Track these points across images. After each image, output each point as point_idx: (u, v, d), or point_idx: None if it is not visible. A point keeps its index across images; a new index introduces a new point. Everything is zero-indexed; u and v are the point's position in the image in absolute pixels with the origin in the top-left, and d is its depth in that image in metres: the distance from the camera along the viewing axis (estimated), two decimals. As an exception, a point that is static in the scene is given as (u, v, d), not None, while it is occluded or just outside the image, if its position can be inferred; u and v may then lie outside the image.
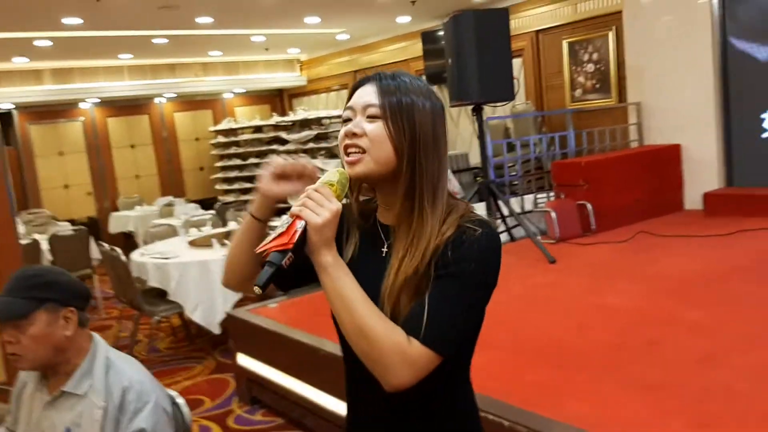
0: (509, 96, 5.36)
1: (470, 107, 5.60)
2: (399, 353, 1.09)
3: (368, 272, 1.20)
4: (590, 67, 7.94)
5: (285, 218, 1.11)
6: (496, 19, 5.31)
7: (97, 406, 1.77)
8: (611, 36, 7.63)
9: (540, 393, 2.84)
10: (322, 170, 1.19)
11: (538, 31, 8.46)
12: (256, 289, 1.07)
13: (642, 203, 6.38)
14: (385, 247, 1.25)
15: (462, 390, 1.34)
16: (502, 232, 5.76)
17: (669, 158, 6.73)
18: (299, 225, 1.09)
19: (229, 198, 11.01)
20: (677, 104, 6.71)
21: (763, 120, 6.35)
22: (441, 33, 9.42)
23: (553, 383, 2.93)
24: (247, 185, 11.06)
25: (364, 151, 1.17)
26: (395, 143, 1.16)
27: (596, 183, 6.06)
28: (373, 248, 1.26)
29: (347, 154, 1.19)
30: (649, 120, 7.03)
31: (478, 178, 8.01)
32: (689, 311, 3.67)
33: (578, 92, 8.12)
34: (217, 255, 5.18)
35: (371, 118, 1.18)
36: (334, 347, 3.34)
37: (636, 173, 6.43)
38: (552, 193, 6.46)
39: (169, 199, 10.77)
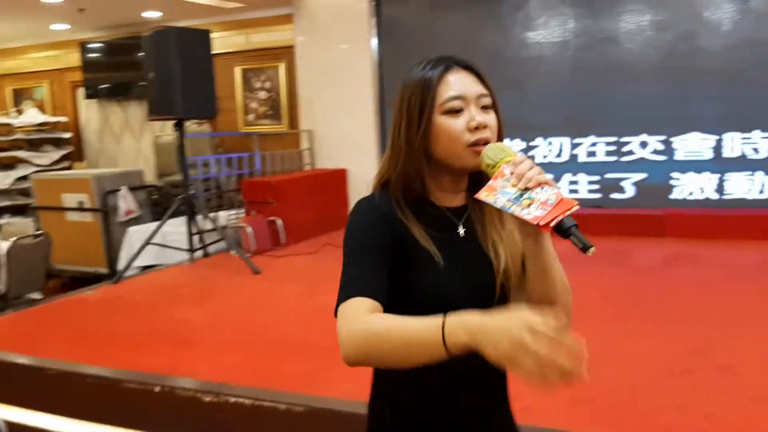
0: (212, 113, 5.55)
1: (172, 122, 5.61)
2: None
3: (464, 254, 1.21)
4: (263, 95, 8.48)
5: (546, 189, 1.06)
6: (199, 37, 5.47)
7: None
8: (282, 67, 8.27)
9: (305, 379, 3.14)
10: None
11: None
12: (593, 250, 1.03)
13: (321, 219, 7.08)
14: (461, 229, 1.24)
15: None
16: (198, 249, 5.87)
17: (337, 181, 7.58)
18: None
19: None
20: (344, 133, 7.63)
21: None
22: (100, 45, 9.08)
23: (314, 370, 3.26)
24: None
25: (487, 142, 1.16)
26: (501, 133, 1.21)
27: (283, 201, 6.56)
28: (445, 233, 1.22)
29: (473, 146, 1.16)
30: (320, 146, 7.83)
31: (154, 196, 7.90)
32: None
33: (251, 117, 8.59)
34: None
35: (486, 108, 1.19)
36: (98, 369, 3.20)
37: (315, 193, 7.12)
38: (234, 211, 6.73)
39: None
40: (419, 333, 0.97)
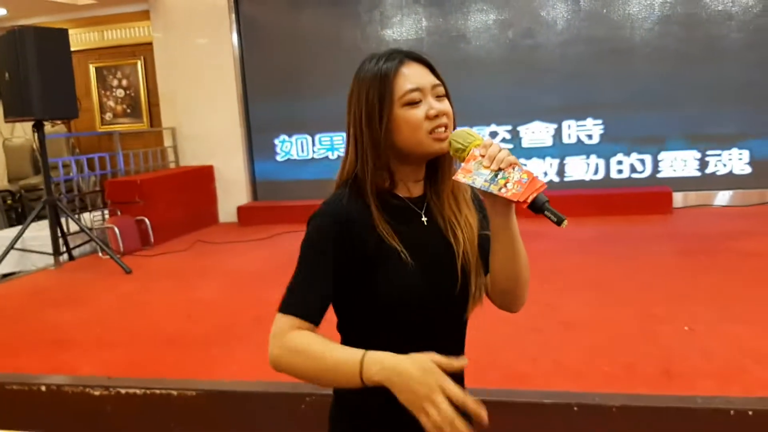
0: (73, 113, 5.43)
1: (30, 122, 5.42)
2: None
3: (428, 243, 1.25)
4: (120, 93, 8.27)
5: (517, 169, 1.15)
6: (57, 37, 5.34)
7: None
8: (140, 64, 8.12)
9: (191, 367, 3.26)
10: None
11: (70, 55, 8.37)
12: (566, 222, 1.11)
13: (189, 217, 7.07)
14: (423, 218, 1.28)
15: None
16: (64, 252, 5.72)
17: (204, 177, 7.58)
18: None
19: None
20: (208, 130, 7.64)
21: (276, 146, 7.73)
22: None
23: (198, 358, 3.38)
24: None
25: (445, 129, 1.22)
26: (454, 119, 1.27)
27: (150, 200, 6.50)
28: (410, 224, 1.25)
29: (433, 132, 1.21)
30: (184, 143, 7.78)
31: (8, 201, 7.53)
32: (272, 292, 4.48)
33: (108, 116, 8.36)
34: None
35: (440, 97, 1.24)
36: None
37: (182, 190, 7.09)
38: (99, 213, 6.56)
39: None
40: (338, 362, 1.10)
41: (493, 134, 7.15)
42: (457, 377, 1.12)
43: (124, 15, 8.03)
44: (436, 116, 1.21)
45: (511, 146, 7.10)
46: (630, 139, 6.87)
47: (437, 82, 1.25)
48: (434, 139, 1.21)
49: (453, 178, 1.20)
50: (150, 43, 7.85)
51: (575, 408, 2.50)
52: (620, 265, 4.71)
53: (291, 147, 7.67)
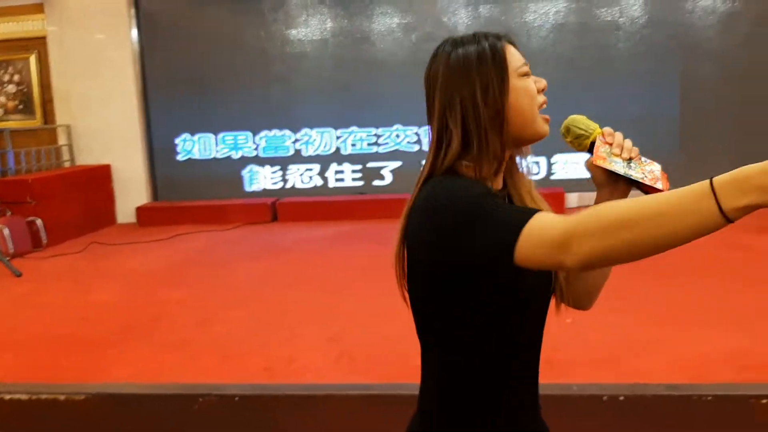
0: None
1: None
2: None
3: None
4: (12, 88, 7.88)
5: (652, 165, 1.11)
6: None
7: None
8: (34, 59, 7.76)
9: (84, 371, 3.18)
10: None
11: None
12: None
13: (85, 218, 6.83)
14: None
15: None
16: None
17: (101, 177, 7.34)
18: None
19: None
20: (106, 128, 7.39)
21: (177, 145, 7.57)
22: None
23: (91, 361, 3.30)
24: None
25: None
26: None
27: (43, 200, 6.24)
28: None
29: (540, 108, 1.14)
30: (80, 141, 7.50)
31: None
32: (171, 292, 4.45)
33: (-1, 112, 7.95)
34: None
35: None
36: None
37: (77, 190, 6.83)
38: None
39: None
40: (686, 204, 0.80)
41: (398, 135, 7.29)
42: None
43: (16, 7, 7.66)
44: (542, 90, 1.15)
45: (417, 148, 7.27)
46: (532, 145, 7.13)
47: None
48: (543, 119, 1.13)
49: (594, 162, 1.10)
50: (44, 37, 7.52)
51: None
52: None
53: (193, 146, 7.54)
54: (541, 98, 1.13)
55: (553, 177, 7.13)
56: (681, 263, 4.22)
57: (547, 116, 1.14)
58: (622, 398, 2.56)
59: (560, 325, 3.29)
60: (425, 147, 7.27)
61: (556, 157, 7.11)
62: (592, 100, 6.91)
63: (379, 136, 7.35)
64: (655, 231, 0.82)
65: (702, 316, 3.51)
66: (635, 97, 6.81)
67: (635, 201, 0.85)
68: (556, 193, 6.83)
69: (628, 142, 1.10)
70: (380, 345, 3.25)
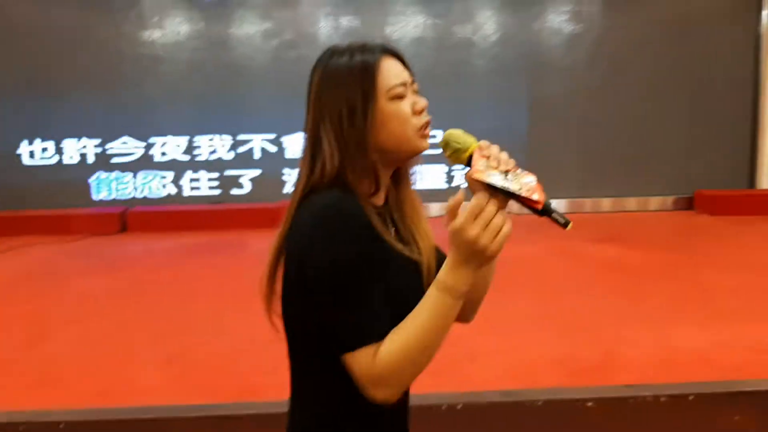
0: None
1: None
2: None
3: (399, 252, 1.14)
4: None
5: (528, 177, 1.10)
6: None
7: None
8: None
9: None
10: None
11: None
12: (570, 225, 1.06)
13: None
14: (391, 227, 1.17)
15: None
16: None
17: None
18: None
19: None
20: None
21: (19, 150, 7.03)
22: None
23: None
24: None
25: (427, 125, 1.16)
26: None
27: None
28: (387, 231, 1.14)
29: (421, 129, 1.13)
30: None
31: None
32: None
33: None
34: None
35: (416, 93, 1.15)
36: None
37: None
38: None
39: None
40: (434, 313, 1.01)
41: (258, 143, 7.16)
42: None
43: None
44: (421, 111, 1.13)
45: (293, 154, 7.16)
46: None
47: (412, 78, 1.15)
48: (421, 136, 1.12)
49: (471, 176, 1.08)
50: None
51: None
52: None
53: (35, 153, 7.03)
54: (422, 119, 1.12)
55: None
56: (515, 273, 4.40)
57: (427, 132, 1.13)
58: (460, 407, 2.62)
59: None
60: (286, 155, 7.21)
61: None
62: (447, 115, 7.10)
63: (237, 143, 7.19)
64: (434, 346, 1.02)
65: (532, 323, 3.69)
66: (488, 111, 7.09)
67: (412, 335, 1.01)
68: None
69: (504, 155, 1.10)
70: (221, 363, 3.15)
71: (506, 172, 1.10)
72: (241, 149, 7.20)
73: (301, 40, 7.14)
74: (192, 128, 7.13)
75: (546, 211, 1.09)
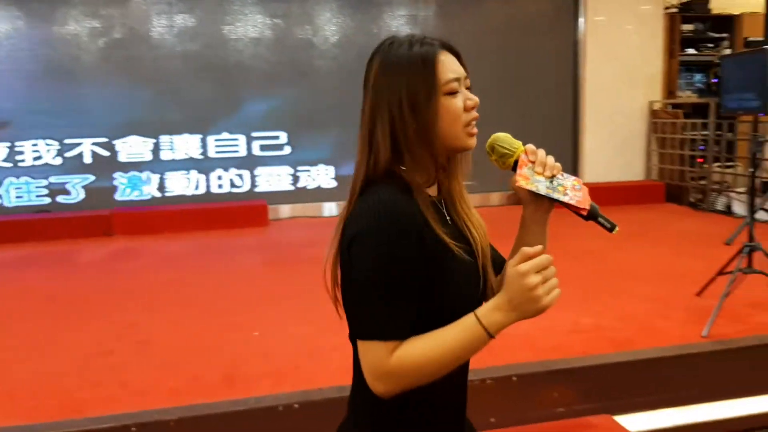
0: None
1: None
2: None
3: (459, 241, 1.16)
4: None
5: (573, 181, 1.13)
6: None
7: None
8: None
9: None
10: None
11: None
12: (617, 229, 1.11)
13: None
14: (448, 217, 1.21)
15: None
16: None
17: None
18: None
19: None
20: None
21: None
22: None
23: None
24: None
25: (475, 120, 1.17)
26: None
27: None
28: (444, 221, 1.18)
29: (468, 126, 1.14)
30: None
31: None
32: None
33: None
34: None
35: (468, 89, 1.17)
36: None
37: None
38: None
39: None
40: (462, 339, 1.05)
41: (89, 147, 6.74)
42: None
43: None
44: (473, 108, 1.15)
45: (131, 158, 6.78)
46: (229, 157, 7.11)
47: (466, 73, 1.17)
48: (468, 134, 1.14)
49: (516, 185, 1.14)
50: None
51: (133, 429, 2.45)
52: (211, 277, 4.81)
53: None
54: (470, 116, 1.14)
55: (257, 189, 7.18)
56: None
57: (474, 130, 1.15)
58: (297, 406, 2.61)
59: (246, 341, 3.30)
60: (120, 158, 6.83)
61: (259, 170, 7.17)
62: (290, 115, 7.12)
63: (67, 148, 6.73)
64: (449, 367, 1.07)
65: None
66: (330, 112, 7.13)
67: (436, 349, 1.05)
68: (258, 206, 6.88)
69: (550, 159, 1.13)
70: (43, 381, 2.92)
71: (552, 177, 1.13)
72: (71, 154, 6.75)
73: (131, 38, 6.82)
74: (12, 133, 6.59)
75: (592, 216, 1.13)
